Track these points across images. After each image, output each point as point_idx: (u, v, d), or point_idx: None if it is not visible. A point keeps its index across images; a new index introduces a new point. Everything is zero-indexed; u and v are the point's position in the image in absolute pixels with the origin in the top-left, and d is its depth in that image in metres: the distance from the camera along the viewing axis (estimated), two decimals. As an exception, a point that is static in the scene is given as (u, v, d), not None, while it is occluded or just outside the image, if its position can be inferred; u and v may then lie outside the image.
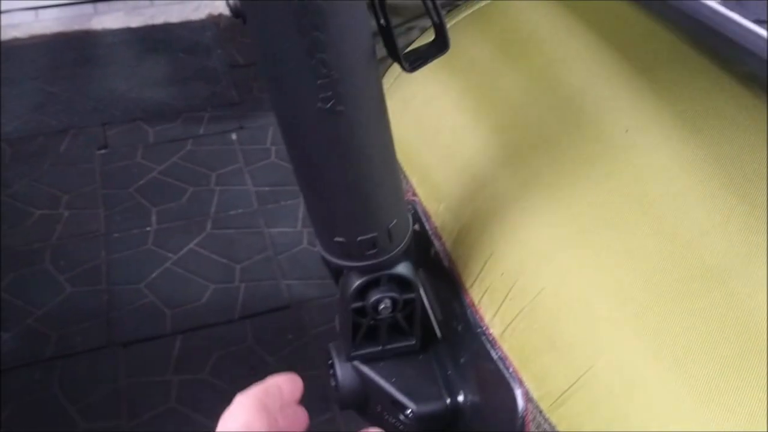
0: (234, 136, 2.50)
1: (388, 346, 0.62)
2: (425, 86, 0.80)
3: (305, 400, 0.51)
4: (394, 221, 0.55)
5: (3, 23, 2.94)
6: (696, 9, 0.62)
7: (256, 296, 1.93)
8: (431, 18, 0.50)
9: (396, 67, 0.69)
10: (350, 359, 0.62)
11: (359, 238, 0.54)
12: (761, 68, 0.58)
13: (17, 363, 1.76)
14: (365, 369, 0.62)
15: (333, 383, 0.63)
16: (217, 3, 3.09)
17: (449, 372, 0.63)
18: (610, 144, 0.62)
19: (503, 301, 0.58)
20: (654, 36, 0.70)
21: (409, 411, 0.60)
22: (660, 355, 0.49)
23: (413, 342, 0.62)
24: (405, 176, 0.76)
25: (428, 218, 0.70)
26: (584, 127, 0.65)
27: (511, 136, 0.70)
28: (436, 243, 0.68)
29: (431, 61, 0.51)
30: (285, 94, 0.47)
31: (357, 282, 0.57)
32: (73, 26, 3.02)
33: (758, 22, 0.62)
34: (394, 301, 0.58)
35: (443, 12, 0.49)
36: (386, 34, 0.50)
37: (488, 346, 0.58)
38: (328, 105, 0.46)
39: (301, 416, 0.50)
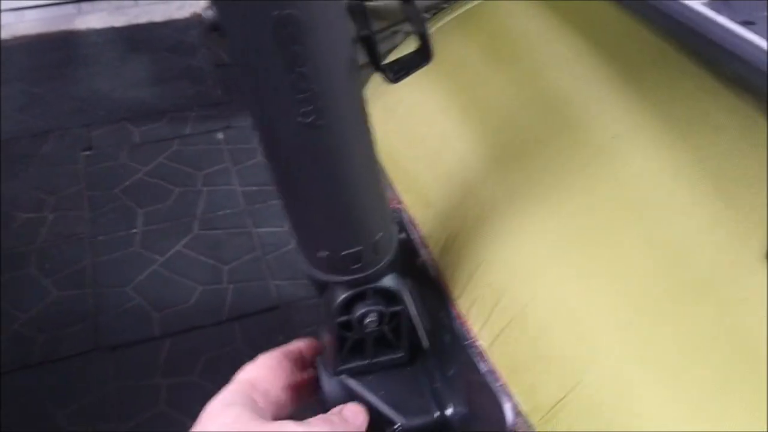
0: (221, 136, 2.48)
1: (376, 360, 0.61)
2: (411, 91, 0.79)
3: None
4: (380, 234, 0.54)
5: (-14, 24, 2.92)
6: (681, 11, 0.62)
7: (244, 297, 1.93)
8: (414, 28, 0.49)
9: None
10: (337, 374, 0.61)
11: (343, 253, 0.53)
12: (747, 71, 0.57)
13: (4, 369, 1.74)
14: (352, 383, 0.61)
15: (320, 398, 0.62)
16: (201, 2, 3.07)
17: (437, 385, 0.62)
18: (598, 150, 0.62)
19: (491, 313, 0.58)
20: (641, 38, 0.70)
21: (397, 425, 0.59)
22: (650, 366, 0.49)
23: (401, 354, 0.62)
24: (390, 183, 0.75)
25: (415, 226, 0.69)
26: (572, 132, 0.65)
27: (499, 141, 0.69)
28: (422, 252, 0.67)
29: (414, 72, 0.50)
30: (264, 108, 0.46)
31: (342, 296, 0.56)
32: (56, 26, 3.00)
33: (746, 23, 0.61)
34: (380, 315, 0.57)
35: (426, 21, 0.48)
36: (369, 44, 0.49)
37: (476, 358, 0.58)
38: (309, 119, 0.45)
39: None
